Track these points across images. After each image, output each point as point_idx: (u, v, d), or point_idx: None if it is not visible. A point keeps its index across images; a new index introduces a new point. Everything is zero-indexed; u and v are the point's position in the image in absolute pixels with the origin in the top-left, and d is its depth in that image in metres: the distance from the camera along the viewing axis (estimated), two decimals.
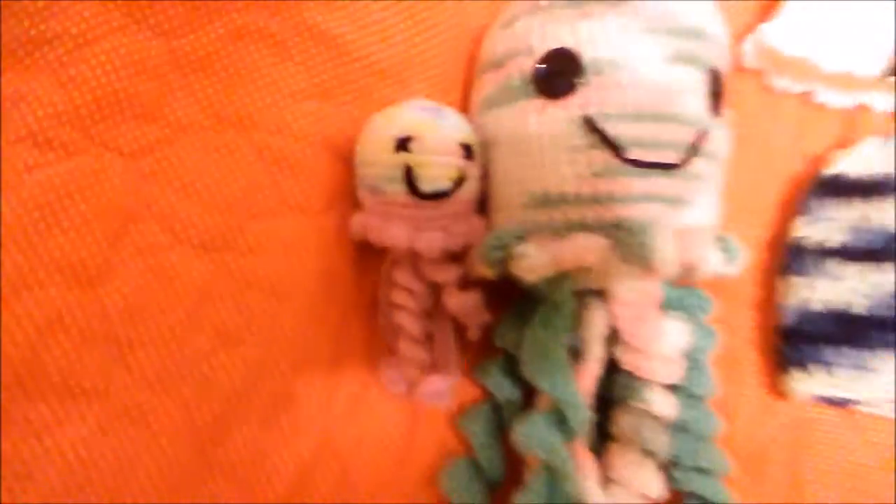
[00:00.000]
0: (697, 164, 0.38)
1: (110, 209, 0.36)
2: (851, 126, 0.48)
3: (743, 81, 0.49)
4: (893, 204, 0.44)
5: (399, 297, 0.43)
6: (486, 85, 0.42)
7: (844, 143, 0.48)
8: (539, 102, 0.38)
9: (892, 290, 0.44)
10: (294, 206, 0.41)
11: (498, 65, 0.41)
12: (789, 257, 0.46)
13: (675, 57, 0.37)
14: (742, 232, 0.48)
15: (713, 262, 0.38)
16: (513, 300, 0.45)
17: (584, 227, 0.38)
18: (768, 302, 0.48)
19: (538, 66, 0.38)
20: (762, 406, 0.47)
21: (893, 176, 0.45)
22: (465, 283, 0.43)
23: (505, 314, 0.45)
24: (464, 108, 0.45)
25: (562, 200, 0.38)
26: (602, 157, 0.37)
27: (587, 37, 0.37)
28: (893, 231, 0.44)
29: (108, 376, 0.35)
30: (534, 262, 0.37)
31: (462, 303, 0.42)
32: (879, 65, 0.47)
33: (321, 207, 0.42)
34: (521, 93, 0.39)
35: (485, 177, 0.42)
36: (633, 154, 0.37)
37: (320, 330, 0.42)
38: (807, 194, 0.47)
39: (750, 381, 0.47)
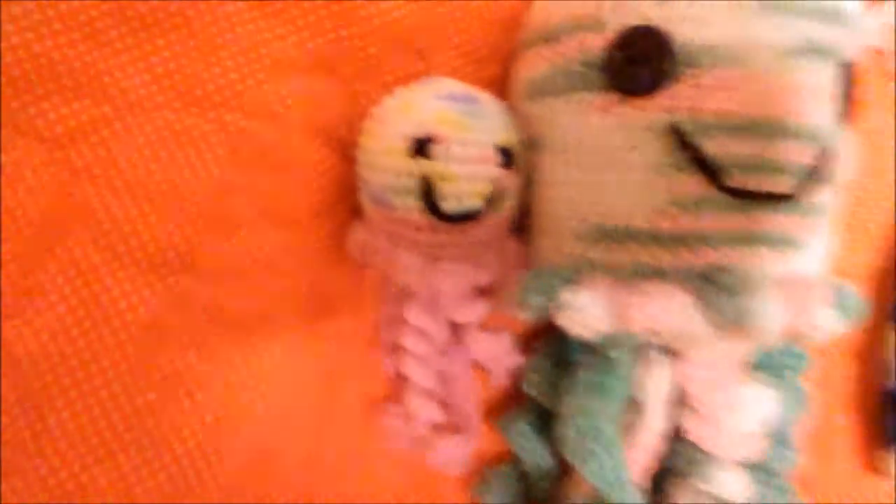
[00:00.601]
0: (817, 194, 0.28)
1: (24, 217, 0.28)
2: None
3: None
4: None
5: (408, 340, 0.33)
6: (535, 63, 0.32)
7: None
8: (607, 98, 0.28)
9: None
10: (274, 214, 0.32)
11: (552, 38, 0.30)
12: None
13: (804, 47, 0.27)
14: (843, 258, 0.38)
15: (827, 326, 0.29)
16: (548, 337, 0.36)
17: (658, 273, 0.28)
18: (871, 350, 0.38)
19: (611, 48, 0.28)
20: (851, 483, 0.38)
21: None
22: (494, 322, 0.34)
23: (537, 355, 0.36)
24: (503, 88, 0.34)
25: (630, 236, 0.28)
26: (692, 182, 0.27)
27: (683, 12, 0.27)
28: None
29: (19, 446, 0.27)
30: (588, 316, 0.28)
31: (489, 348, 0.33)
32: None
33: (310, 216, 0.32)
34: (581, 81, 0.29)
35: (526, 186, 0.32)
36: (735, 181, 0.26)
37: (305, 371, 0.33)
38: None
39: (838, 450, 0.38)
